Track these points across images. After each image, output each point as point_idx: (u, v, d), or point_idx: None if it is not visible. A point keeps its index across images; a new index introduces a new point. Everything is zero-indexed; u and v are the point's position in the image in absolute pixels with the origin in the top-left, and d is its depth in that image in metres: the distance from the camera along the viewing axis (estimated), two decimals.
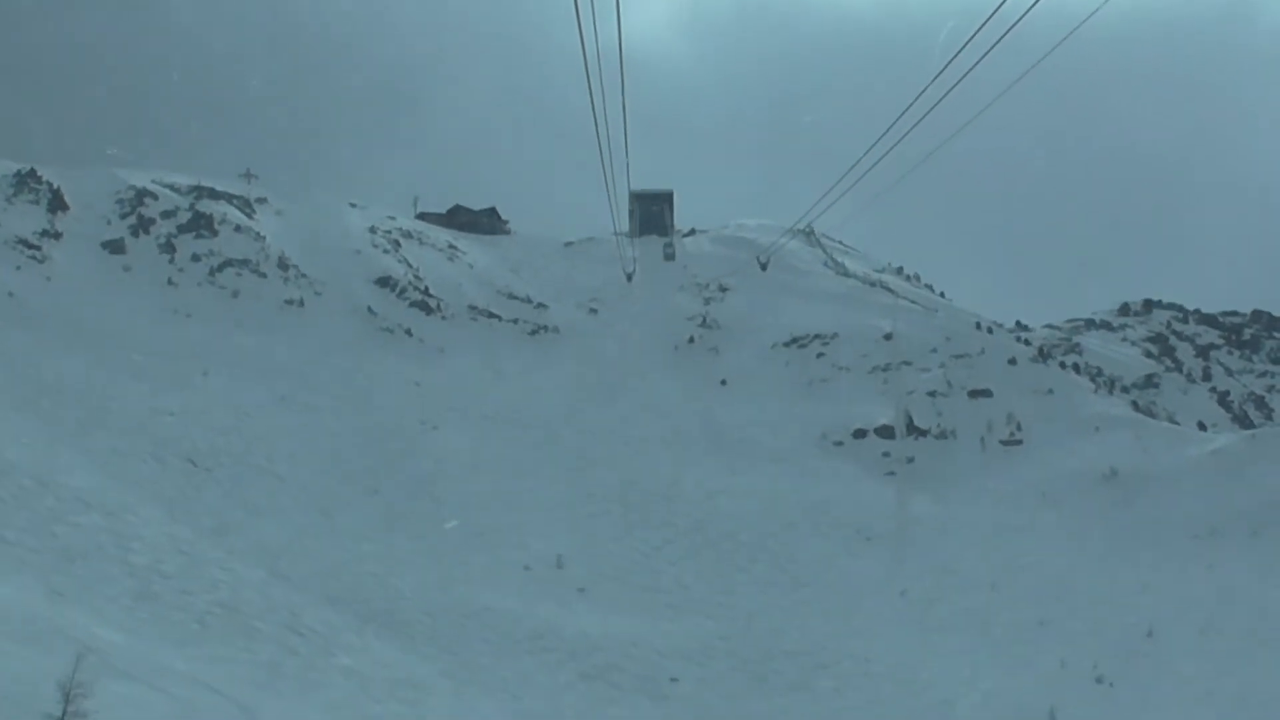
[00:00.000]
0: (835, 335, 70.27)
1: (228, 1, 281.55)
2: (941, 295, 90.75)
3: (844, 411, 60.06)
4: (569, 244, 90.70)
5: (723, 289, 79.38)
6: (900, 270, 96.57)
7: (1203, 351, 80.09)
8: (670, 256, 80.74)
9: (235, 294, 67.05)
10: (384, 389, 57.07)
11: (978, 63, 12.94)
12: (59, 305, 57.89)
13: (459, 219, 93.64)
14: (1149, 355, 78.13)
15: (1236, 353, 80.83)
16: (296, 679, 25.87)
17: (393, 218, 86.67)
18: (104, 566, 28.29)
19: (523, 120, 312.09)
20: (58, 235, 67.65)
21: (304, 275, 70.93)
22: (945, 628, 38.07)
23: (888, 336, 69.05)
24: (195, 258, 69.60)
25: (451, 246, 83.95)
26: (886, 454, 56.13)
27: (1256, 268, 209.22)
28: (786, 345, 70.57)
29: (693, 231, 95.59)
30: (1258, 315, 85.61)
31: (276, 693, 24.69)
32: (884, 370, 65.93)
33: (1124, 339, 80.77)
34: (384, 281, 73.09)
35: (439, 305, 72.46)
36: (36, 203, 70.24)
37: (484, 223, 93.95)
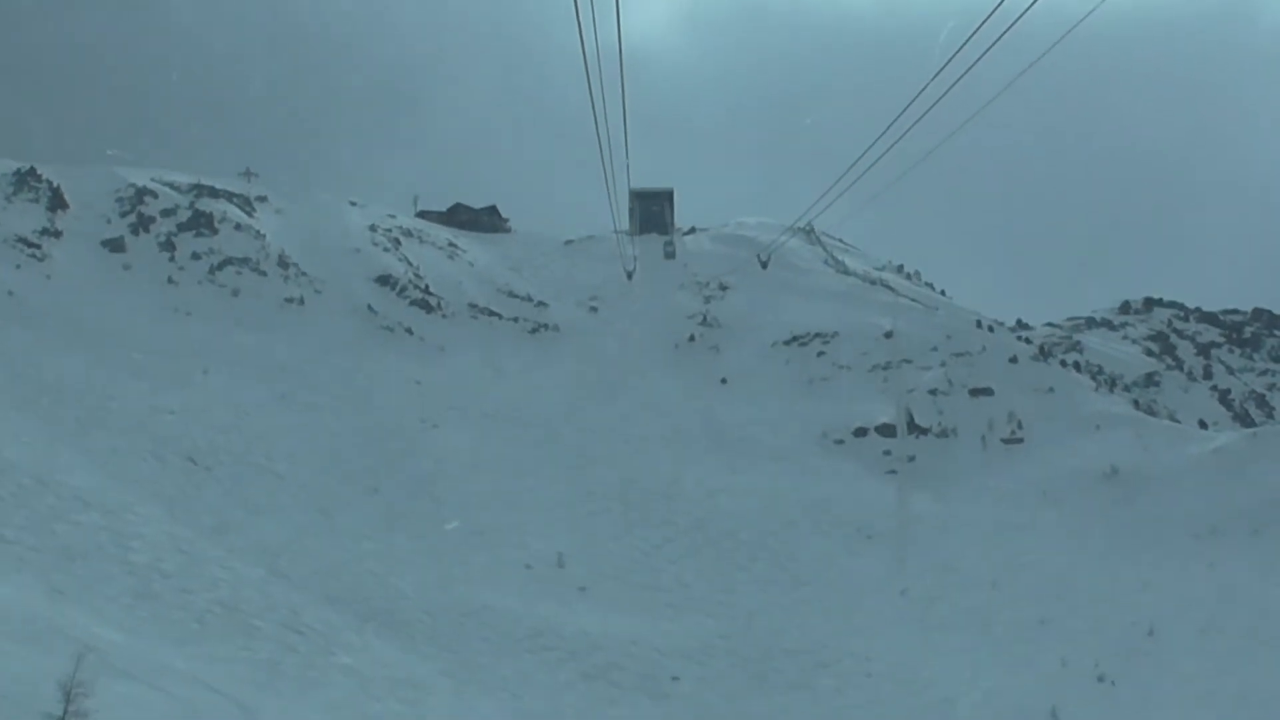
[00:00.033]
0: (836, 333, 70.23)
1: (228, 1, 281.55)
2: (942, 293, 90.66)
3: (844, 410, 60.04)
4: (569, 242, 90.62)
5: (723, 287, 79.32)
6: (901, 268, 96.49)
7: (1204, 350, 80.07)
8: (670, 255, 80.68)
9: (235, 292, 67.01)
10: (384, 388, 57.03)
11: (977, 61, 12.93)
12: (59, 304, 57.83)
13: (459, 217, 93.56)
14: (1150, 353, 78.12)
15: (1237, 351, 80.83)
16: (296, 678, 25.84)
17: (393, 216, 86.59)
18: (104, 565, 28.26)
19: (523, 119, 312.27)
20: (58, 234, 67.60)
21: (304, 274, 70.89)
22: (946, 626, 38.05)
23: (888, 335, 69.00)
24: (195, 256, 69.55)
25: (452, 245, 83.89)
26: (887, 452, 56.10)
27: (1257, 266, 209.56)
28: (787, 343, 70.52)
29: (693, 230, 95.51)
30: (1258, 313, 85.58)
31: (276, 691, 24.67)
32: (884, 368, 65.89)
33: (1125, 337, 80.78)
34: (384, 280, 73.04)
35: (439, 304, 72.42)
36: (36, 201, 70.18)
37: (484, 221, 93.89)
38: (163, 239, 70.80)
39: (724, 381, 66.01)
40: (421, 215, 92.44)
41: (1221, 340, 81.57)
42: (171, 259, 68.87)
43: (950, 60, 12.91)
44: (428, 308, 71.58)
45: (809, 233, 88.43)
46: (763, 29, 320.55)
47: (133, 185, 75.52)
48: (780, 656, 35.55)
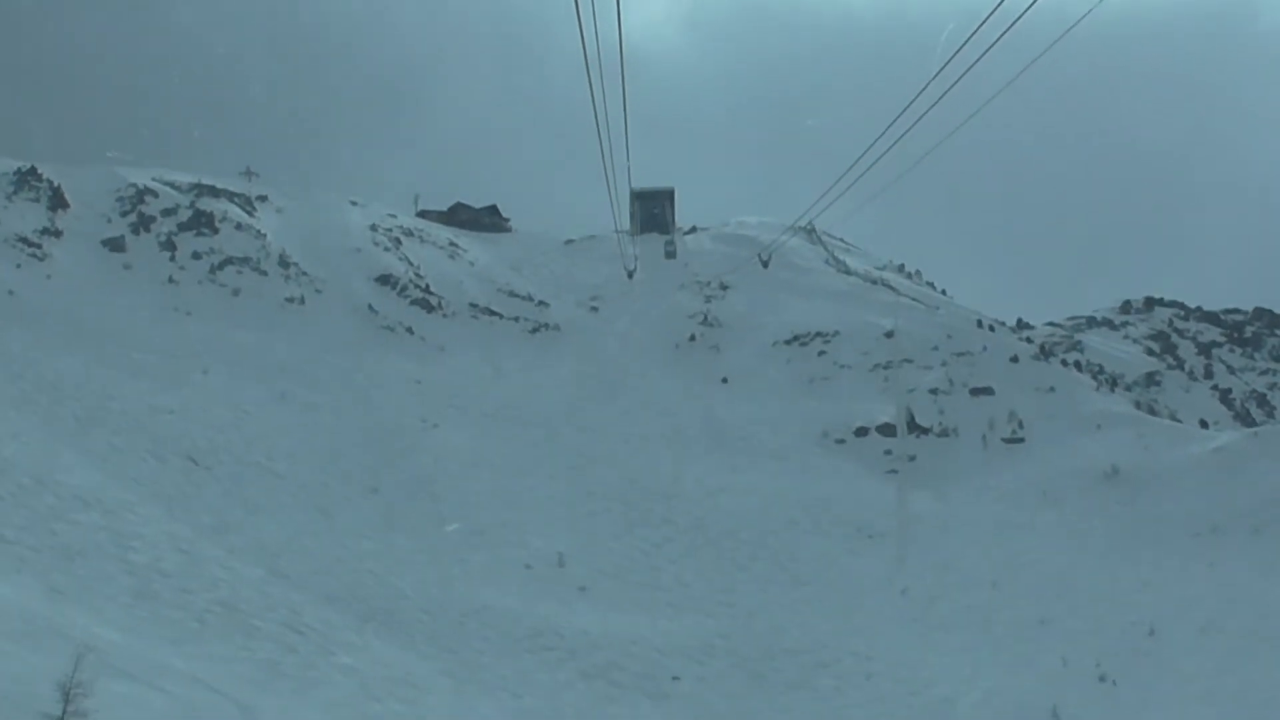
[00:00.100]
0: (836, 333, 70.23)
1: (228, 2, 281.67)
2: (943, 293, 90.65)
3: (845, 409, 60.02)
4: (570, 242, 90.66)
5: (724, 287, 79.30)
6: (902, 268, 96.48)
7: (1204, 349, 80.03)
8: (671, 254, 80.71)
9: (236, 292, 67.01)
10: (384, 387, 57.02)
11: (977, 60, 12.93)
12: (59, 303, 57.82)
13: (460, 217, 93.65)
14: (1150, 353, 78.11)
15: (1238, 350, 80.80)
16: (296, 677, 25.79)
17: (393, 215, 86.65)
18: (103, 565, 28.21)
19: (523, 119, 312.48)
20: (58, 233, 67.60)
21: (305, 273, 70.90)
22: (946, 626, 38.01)
23: (889, 334, 68.98)
24: (196, 255, 69.56)
25: (452, 244, 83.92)
26: (888, 452, 56.08)
27: (1258, 265, 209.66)
28: (788, 343, 70.52)
29: (694, 229, 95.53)
30: (1259, 313, 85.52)
31: (276, 691, 24.62)
32: (885, 368, 65.87)
33: (1125, 337, 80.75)
34: (385, 279, 73.06)
35: (440, 303, 72.42)
36: (37, 200, 70.19)
37: (485, 220, 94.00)
38: (163, 238, 70.81)
39: (725, 381, 66.00)
40: (422, 215, 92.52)
41: (1222, 340, 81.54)
42: (172, 258, 68.88)
43: (950, 60, 12.92)
44: (428, 307, 71.58)
45: (810, 232, 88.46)
46: (763, 29, 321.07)
47: (133, 185, 75.55)
48: (780, 656, 35.50)
